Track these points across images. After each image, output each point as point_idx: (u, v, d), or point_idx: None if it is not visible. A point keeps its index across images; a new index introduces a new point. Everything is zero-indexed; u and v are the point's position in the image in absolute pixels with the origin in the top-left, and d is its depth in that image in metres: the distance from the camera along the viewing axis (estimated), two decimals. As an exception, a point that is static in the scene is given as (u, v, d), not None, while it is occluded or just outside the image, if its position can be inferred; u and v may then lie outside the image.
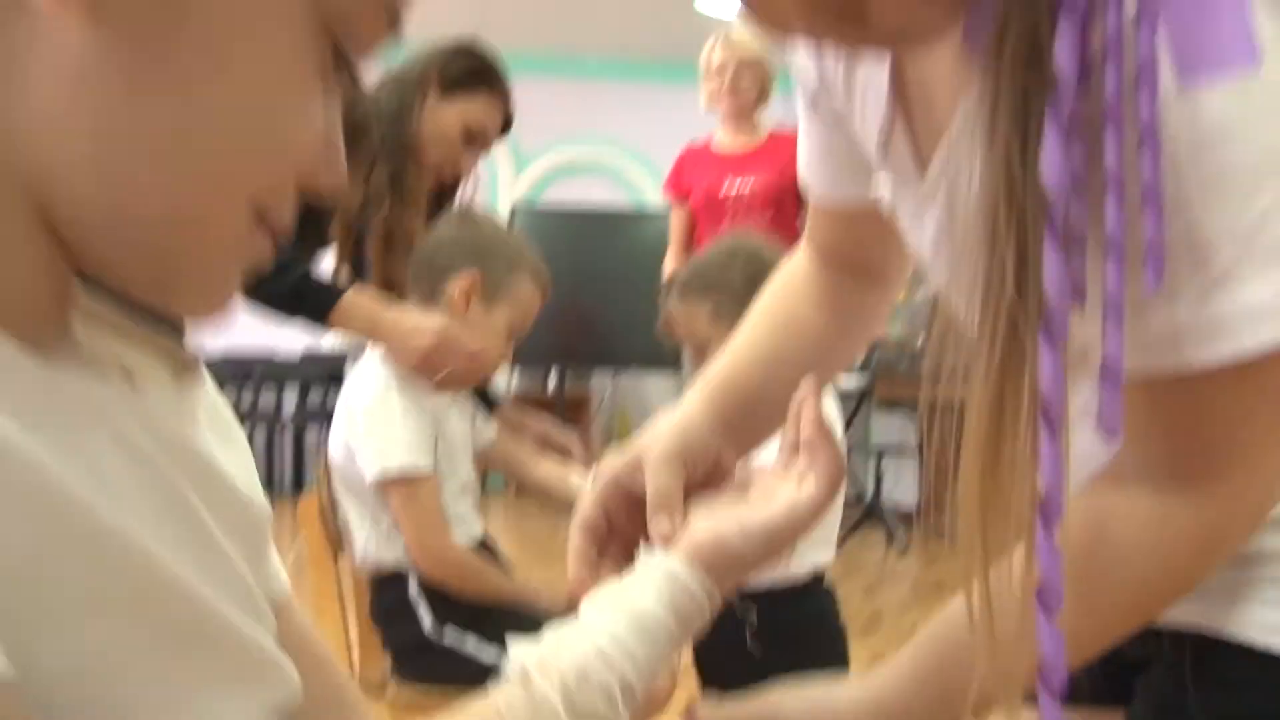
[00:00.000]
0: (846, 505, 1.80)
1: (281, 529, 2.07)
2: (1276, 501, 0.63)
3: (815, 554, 1.75)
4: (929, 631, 0.68)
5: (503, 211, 7.36)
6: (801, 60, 0.78)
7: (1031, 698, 0.51)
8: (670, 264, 3.56)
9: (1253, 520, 0.62)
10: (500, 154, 6.78)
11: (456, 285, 1.72)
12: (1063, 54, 0.49)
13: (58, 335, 0.44)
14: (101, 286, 0.45)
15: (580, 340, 6.26)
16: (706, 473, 0.75)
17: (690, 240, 3.58)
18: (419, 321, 1.71)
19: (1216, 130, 0.51)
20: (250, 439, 0.59)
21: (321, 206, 1.78)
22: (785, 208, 3.41)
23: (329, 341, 4.83)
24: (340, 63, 0.44)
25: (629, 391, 7.50)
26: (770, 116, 3.60)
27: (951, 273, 0.70)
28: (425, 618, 1.70)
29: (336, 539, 1.79)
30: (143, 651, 0.39)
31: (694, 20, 4.98)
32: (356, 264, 2.09)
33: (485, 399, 2.05)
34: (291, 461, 6.32)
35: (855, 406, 5.26)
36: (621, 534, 0.75)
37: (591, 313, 6.08)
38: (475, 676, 1.13)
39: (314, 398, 6.26)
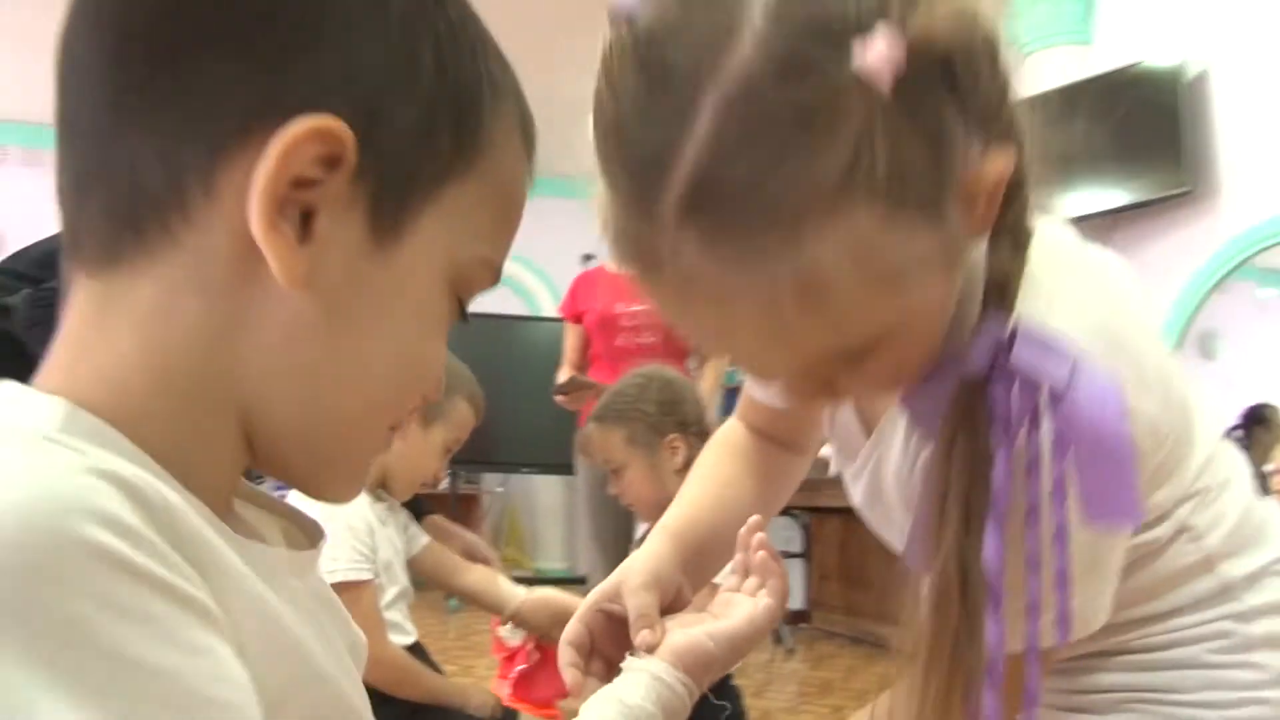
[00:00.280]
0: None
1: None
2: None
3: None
4: None
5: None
6: None
7: None
8: (563, 374, 3.74)
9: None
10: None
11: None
12: (1001, 473, 0.67)
13: (228, 510, 0.56)
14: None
15: (472, 441, 6.37)
16: (671, 600, 0.89)
17: (583, 354, 3.78)
18: None
19: (1101, 547, 0.76)
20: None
21: None
22: (674, 332, 3.65)
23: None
24: (458, 309, 0.57)
25: (519, 493, 7.63)
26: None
27: (876, 516, 0.93)
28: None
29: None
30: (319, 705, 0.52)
31: (589, 138, 5.25)
32: None
33: (416, 508, 2.21)
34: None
35: (740, 511, 5.47)
36: (602, 649, 0.88)
37: (485, 415, 6.20)
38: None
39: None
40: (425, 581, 2.10)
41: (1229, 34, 4.67)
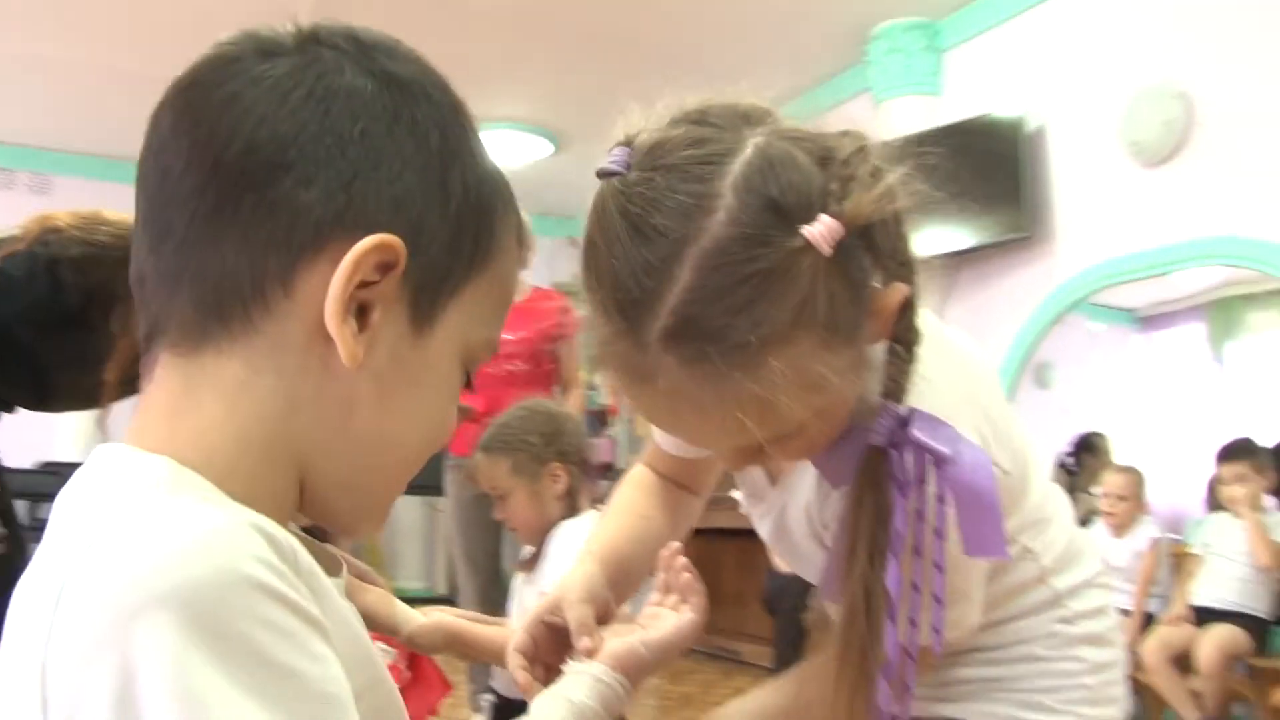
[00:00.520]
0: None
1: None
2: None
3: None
4: None
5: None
6: None
7: None
8: None
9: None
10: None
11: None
12: (900, 521, 0.85)
13: None
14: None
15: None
16: (601, 613, 1.04)
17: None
18: None
19: (971, 569, 0.96)
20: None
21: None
22: (541, 361, 3.80)
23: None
24: (467, 380, 0.70)
25: (381, 511, 7.59)
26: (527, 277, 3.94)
27: (784, 548, 1.11)
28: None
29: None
30: (380, 709, 0.64)
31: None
32: None
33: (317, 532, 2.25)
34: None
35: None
36: (544, 656, 1.03)
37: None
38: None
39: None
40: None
41: (1064, 91, 5.02)
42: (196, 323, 0.61)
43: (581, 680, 0.90)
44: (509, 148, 6.41)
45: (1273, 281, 4.96)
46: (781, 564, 1.21)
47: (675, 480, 1.25)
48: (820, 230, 0.75)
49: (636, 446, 7.54)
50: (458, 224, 0.65)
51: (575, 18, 5.24)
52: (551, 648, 1.04)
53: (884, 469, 0.86)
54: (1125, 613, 4.38)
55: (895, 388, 0.85)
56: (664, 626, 0.97)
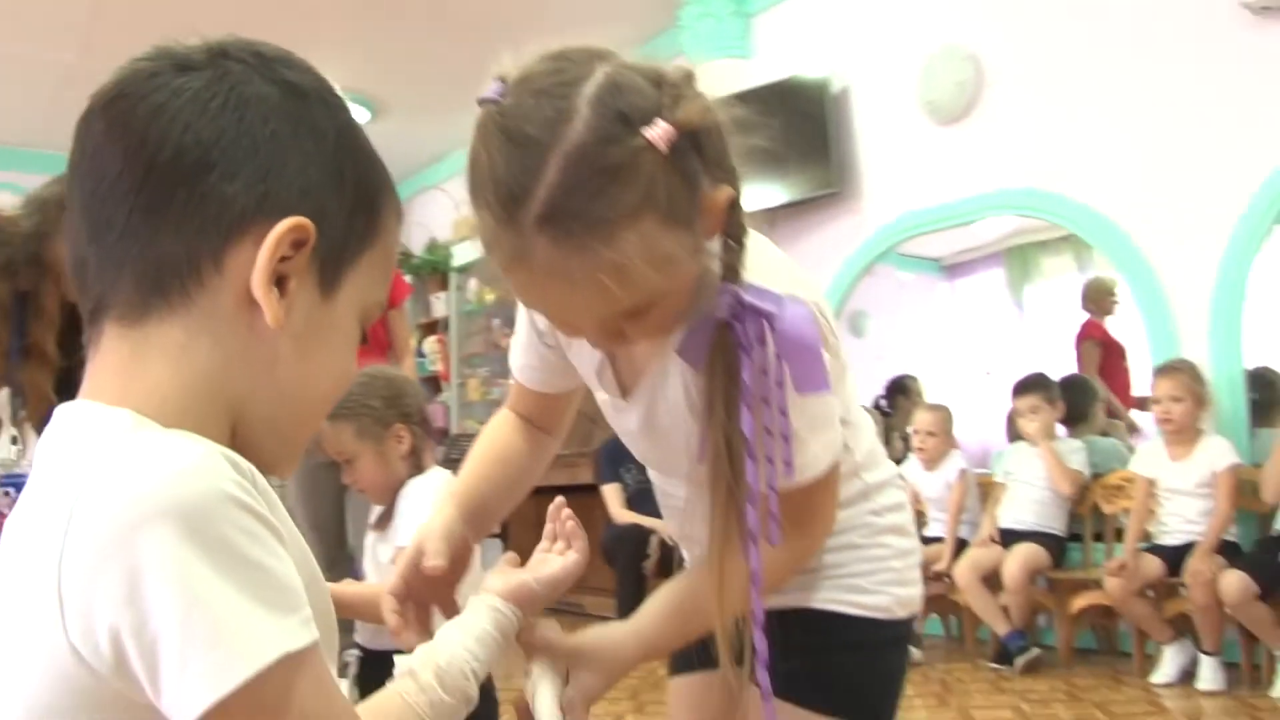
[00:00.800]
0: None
1: None
2: (823, 543, 1.23)
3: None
4: (670, 589, 1.17)
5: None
6: (536, 313, 1.25)
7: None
8: None
9: (812, 552, 1.23)
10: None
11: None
12: (747, 374, 1.02)
13: None
14: None
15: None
16: (459, 549, 1.20)
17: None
18: None
19: (809, 406, 1.08)
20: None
21: None
22: (374, 329, 3.88)
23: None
24: (361, 335, 0.82)
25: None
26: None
27: (654, 441, 1.23)
28: None
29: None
30: (322, 612, 0.72)
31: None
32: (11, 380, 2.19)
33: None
34: None
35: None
36: (417, 596, 1.18)
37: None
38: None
39: None
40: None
41: (865, 53, 5.29)
42: (140, 299, 0.71)
43: (482, 610, 1.05)
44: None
45: (1061, 230, 5.37)
46: (650, 469, 1.37)
47: (533, 421, 1.39)
48: (657, 133, 0.91)
49: (468, 412, 7.61)
50: (352, 206, 0.77)
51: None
52: (425, 589, 1.18)
53: (730, 338, 1.03)
54: (939, 539, 4.72)
55: (731, 271, 1.03)
56: (553, 566, 1.13)
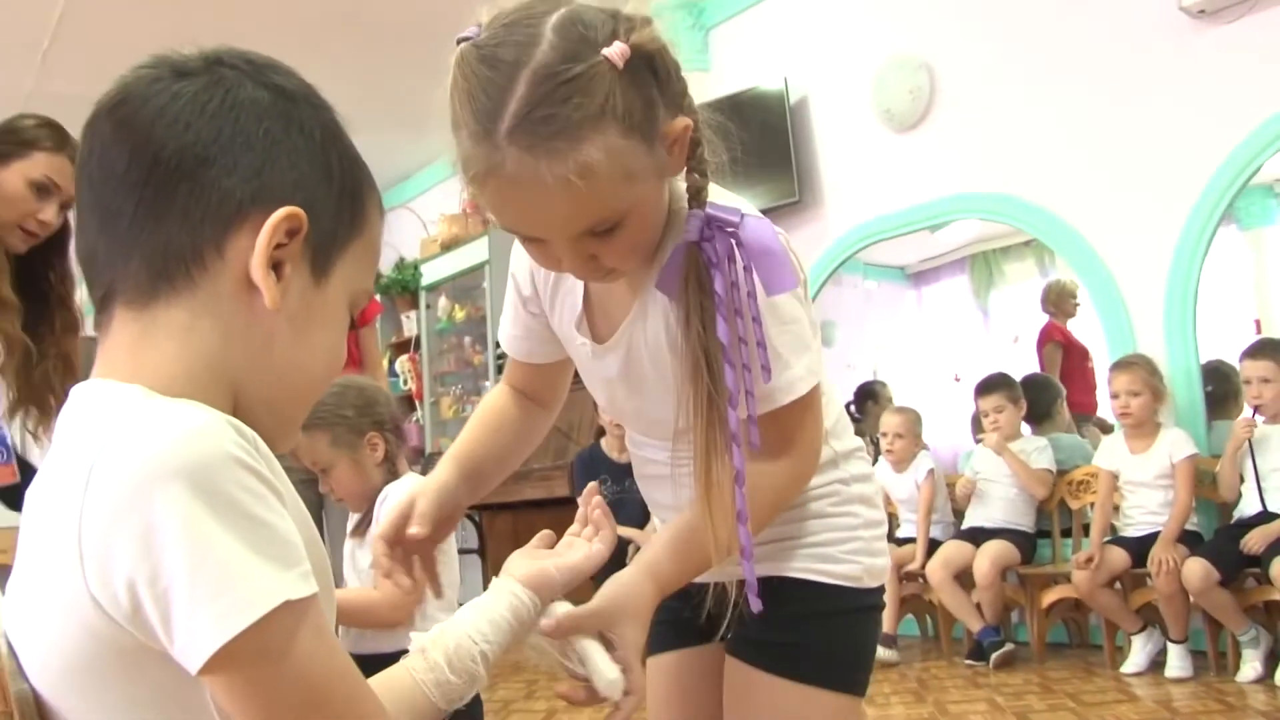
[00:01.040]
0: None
1: None
2: (814, 466, 1.27)
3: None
4: (673, 524, 1.22)
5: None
6: (522, 278, 1.34)
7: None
8: None
9: (810, 468, 1.26)
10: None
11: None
12: (718, 286, 1.10)
13: None
14: None
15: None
16: (452, 509, 1.28)
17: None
18: None
19: (780, 309, 1.15)
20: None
21: None
22: (350, 353, 3.90)
23: None
24: (350, 320, 0.88)
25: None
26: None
27: (633, 388, 1.28)
28: None
29: None
30: (320, 573, 0.76)
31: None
32: None
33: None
34: None
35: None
36: (405, 544, 1.25)
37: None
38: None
39: None
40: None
41: (821, 63, 5.38)
42: (148, 283, 0.78)
43: (500, 595, 1.08)
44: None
45: (1021, 235, 5.46)
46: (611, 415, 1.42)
47: (526, 393, 1.46)
48: (614, 51, 1.02)
49: (442, 430, 7.62)
50: (339, 197, 0.83)
51: None
52: (408, 542, 1.24)
53: (700, 258, 1.12)
54: (911, 540, 4.78)
55: (697, 195, 1.12)
56: (575, 555, 1.16)
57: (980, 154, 4.81)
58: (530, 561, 1.14)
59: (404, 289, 7.99)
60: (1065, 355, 5.91)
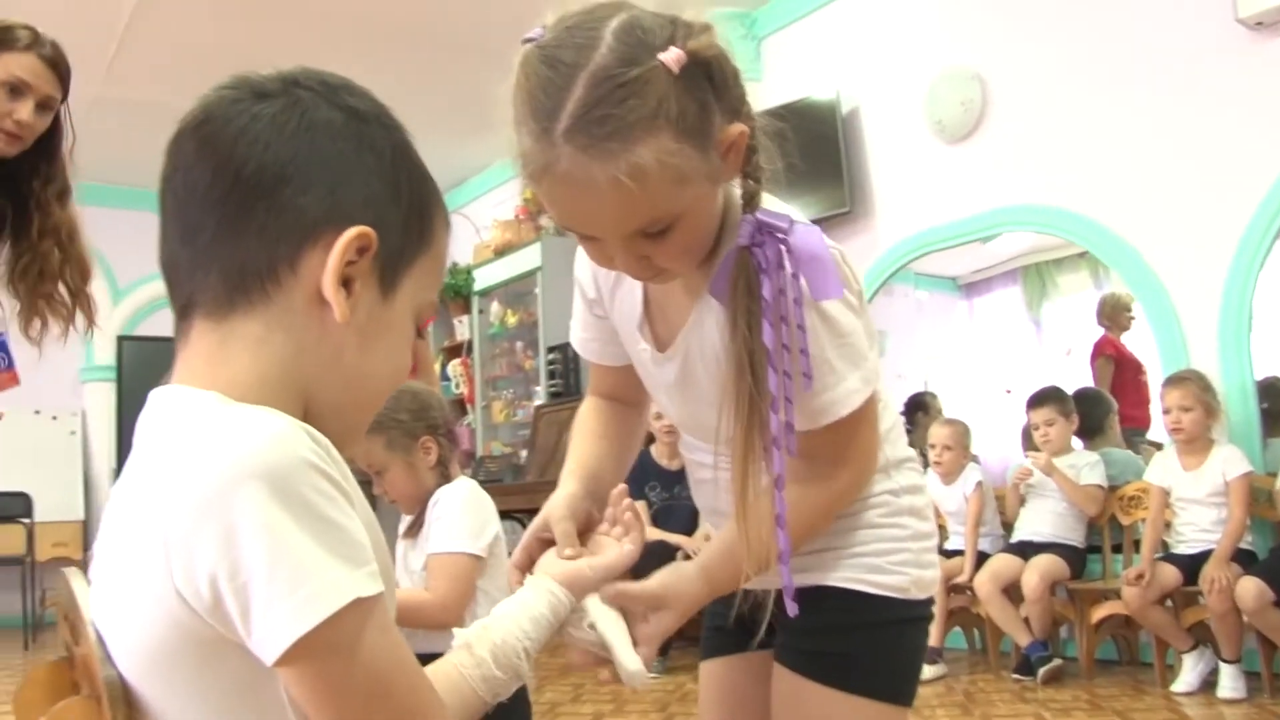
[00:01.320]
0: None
1: None
2: (869, 477, 1.30)
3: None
4: (730, 530, 1.22)
5: (105, 341, 7.29)
6: (585, 281, 1.37)
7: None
8: None
9: (865, 476, 1.30)
10: (97, 286, 6.76)
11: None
12: (766, 291, 1.12)
13: None
14: None
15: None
16: (584, 523, 1.28)
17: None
18: None
19: (836, 322, 1.17)
20: None
21: None
22: None
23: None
24: (416, 332, 0.91)
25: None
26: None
27: (689, 395, 1.31)
28: None
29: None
30: (384, 572, 0.79)
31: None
32: None
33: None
34: None
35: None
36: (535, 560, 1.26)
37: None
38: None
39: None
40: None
41: (873, 74, 5.38)
42: (226, 296, 0.82)
43: (538, 592, 1.14)
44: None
45: (1074, 246, 5.43)
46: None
47: (615, 397, 1.50)
48: (670, 56, 1.04)
49: (493, 434, 7.69)
50: (408, 215, 0.87)
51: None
52: (541, 554, 1.26)
53: (750, 262, 1.14)
54: (959, 553, 4.76)
55: (751, 200, 1.14)
56: (608, 554, 1.21)
57: (1032, 166, 4.79)
58: (563, 561, 1.19)
59: (457, 293, 8.08)
60: (1118, 369, 5.86)
